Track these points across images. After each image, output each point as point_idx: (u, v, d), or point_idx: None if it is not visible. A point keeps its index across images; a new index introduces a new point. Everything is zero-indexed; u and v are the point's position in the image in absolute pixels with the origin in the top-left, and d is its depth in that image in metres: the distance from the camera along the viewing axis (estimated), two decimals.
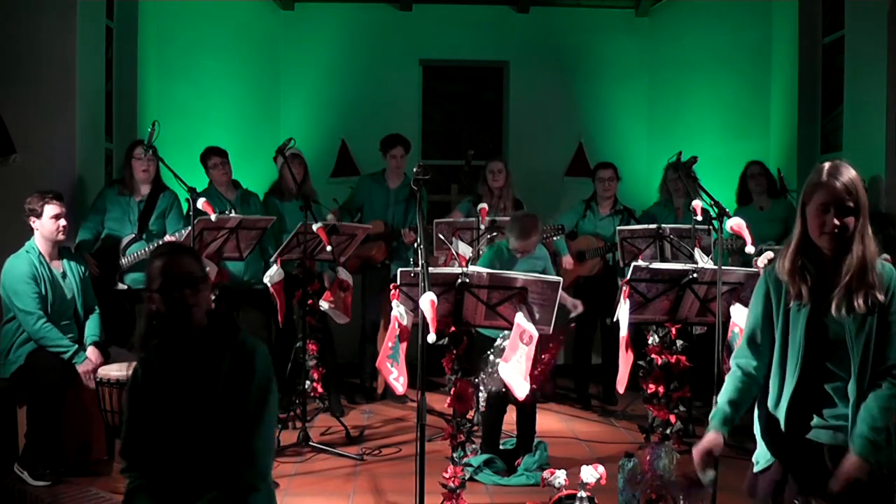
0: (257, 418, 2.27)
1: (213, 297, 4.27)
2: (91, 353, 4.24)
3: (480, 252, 4.93)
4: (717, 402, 2.41)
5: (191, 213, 4.20)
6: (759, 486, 2.37)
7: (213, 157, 5.36)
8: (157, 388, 2.29)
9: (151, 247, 4.69)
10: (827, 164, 2.22)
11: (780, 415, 2.26)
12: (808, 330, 2.21)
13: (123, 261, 4.74)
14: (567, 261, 5.68)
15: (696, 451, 2.33)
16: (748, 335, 2.34)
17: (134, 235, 4.80)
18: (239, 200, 5.36)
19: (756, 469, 2.37)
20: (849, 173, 2.18)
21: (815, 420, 2.23)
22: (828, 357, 2.21)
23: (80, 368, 4.15)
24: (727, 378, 2.37)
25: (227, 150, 5.45)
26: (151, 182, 4.88)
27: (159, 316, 2.30)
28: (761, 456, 2.36)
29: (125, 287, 4.77)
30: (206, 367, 2.30)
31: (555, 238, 5.50)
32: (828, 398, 2.22)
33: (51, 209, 4.17)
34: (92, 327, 4.37)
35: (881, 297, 2.16)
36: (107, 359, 4.29)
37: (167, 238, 4.64)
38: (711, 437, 2.32)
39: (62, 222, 4.21)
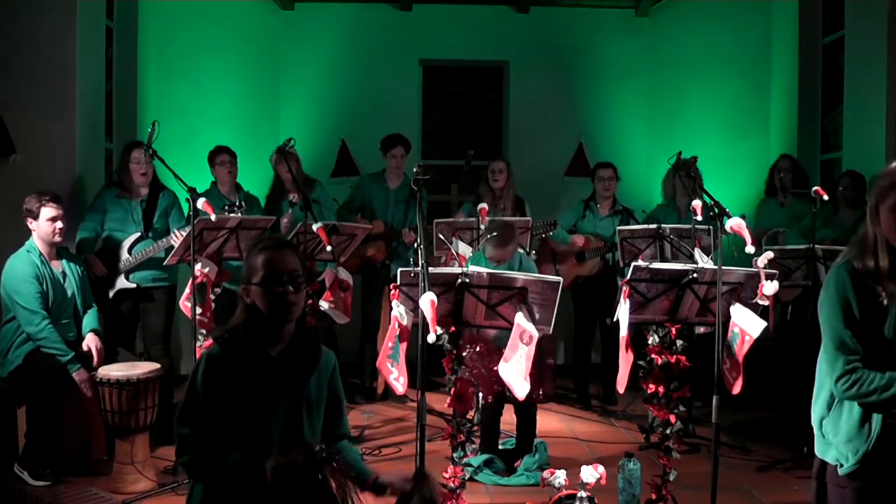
0: (343, 410, 2.43)
1: (213, 297, 4.32)
2: (90, 339, 4.25)
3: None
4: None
5: (191, 213, 4.19)
6: (849, 489, 2.25)
7: (223, 154, 5.37)
8: (228, 386, 2.18)
9: (158, 244, 4.68)
10: None
11: (876, 420, 2.20)
12: None
13: (130, 258, 4.72)
14: (577, 238, 5.67)
15: None
16: (836, 343, 2.22)
17: (140, 234, 4.78)
18: (243, 202, 5.36)
19: (842, 472, 2.24)
20: None
21: None
22: None
23: (77, 377, 4.14)
24: (863, 385, 2.17)
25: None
26: (149, 183, 4.88)
27: (254, 310, 2.23)
28: (843, 457, 2.25)
29: (133, 285, 4.75)
30: (290, 381, 2.25)
31: (550, 234, 5.50)
32: None
33: (47, 212, 4.17)
34: (90, 319, 4.39)
35: None
36: (107, 352, 4.30)
37: (175, 233, 4.61)
38: None
39: (59, 224, 4.21)
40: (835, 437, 2.28)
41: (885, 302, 2.19)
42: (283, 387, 2.24)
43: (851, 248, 2.30)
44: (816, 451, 2.36)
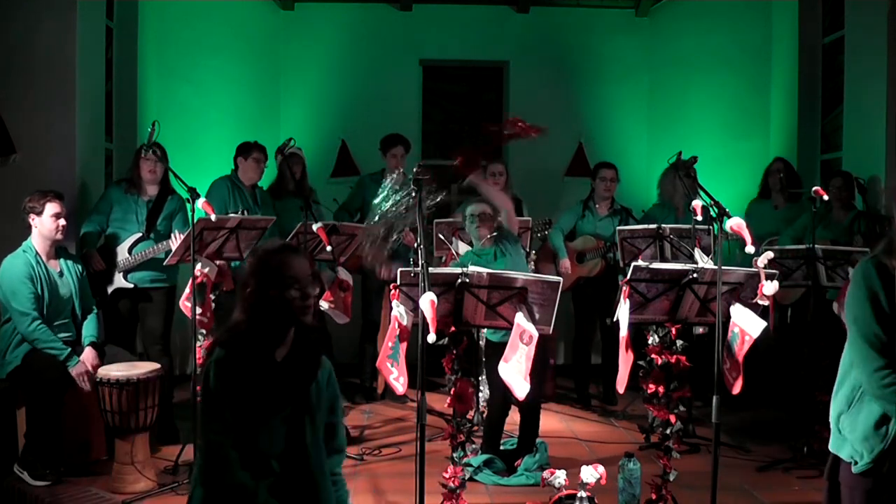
0: (340, 420, 2.45)
1: (212, 298, 4.32)
2: (88, 354, 4.23)
3: None
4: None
5: (192, 212, 4.19)
6: (859, 489, 2.27)
7: (258, 152, 5.35)
8: (234, 392, 2.21)
9: (158, 246, 4.67)
10: None
11: (894, 422, 2.21)
12: None
13: (130, 258, 4.72)
14: (565, 264, 5.67)
15: None
16: (868, 338, 2.21)
17: (141, 234, 4.77)
18: (259, 200, 5.37)
19: (856, 470, 2.26)
20: None
21: None
22: None
23: (74, 371, 4.13)
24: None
25: (227, 150, 5.46)
26: (159, 183, 4.87)
27: (258, 312, 2.23)
28: (858, 455, 2.26)
29: (131, 286, 4.75)
30: (294, 387, 2.27)
31: (546, 232, 5.49)
32: None
33: (52, 208, 4.17)
34: (90, 328, 4.36)
35: None
36: (102, 358, 4.28)
37: (176, 235, 4.59)
38: None
39: (62, 221, 4.21)
40: (851, 433, 2.28)
41: None
42: (287, 392, 2.25)
43: (882, 246, 2.31)
44: (831, 447, 2.36)
